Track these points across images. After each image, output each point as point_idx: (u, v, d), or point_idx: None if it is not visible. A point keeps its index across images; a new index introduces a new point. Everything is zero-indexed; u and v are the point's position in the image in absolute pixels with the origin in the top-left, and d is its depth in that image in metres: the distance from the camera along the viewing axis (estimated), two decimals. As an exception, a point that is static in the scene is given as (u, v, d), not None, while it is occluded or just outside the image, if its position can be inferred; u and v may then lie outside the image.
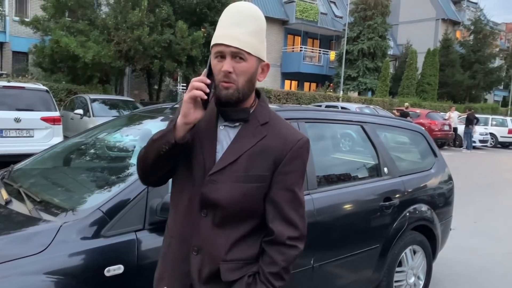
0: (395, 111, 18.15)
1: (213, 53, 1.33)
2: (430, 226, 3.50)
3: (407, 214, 3.27)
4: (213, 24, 16.23)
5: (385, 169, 3.22)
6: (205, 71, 1.32)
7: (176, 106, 3.09)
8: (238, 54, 1.30)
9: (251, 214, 1.38)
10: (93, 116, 10.22)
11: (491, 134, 21.03)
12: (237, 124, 1.38)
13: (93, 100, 10.87)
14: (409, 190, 3.33)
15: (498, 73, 35.31)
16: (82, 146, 3.22)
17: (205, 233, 1.36)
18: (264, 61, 1.38)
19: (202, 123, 1.38)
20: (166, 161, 1.38)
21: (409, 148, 3.90)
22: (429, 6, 37.66)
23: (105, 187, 2.37)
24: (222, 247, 1.36)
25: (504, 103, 40.26)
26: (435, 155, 3.84)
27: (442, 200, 3.74)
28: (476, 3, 41.49)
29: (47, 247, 1.75)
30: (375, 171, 3.23)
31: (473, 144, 18.95)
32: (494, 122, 21.73)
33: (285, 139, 1.37)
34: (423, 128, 3.93)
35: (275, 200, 1.37)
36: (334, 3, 33.55)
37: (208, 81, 1.29)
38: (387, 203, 3.08)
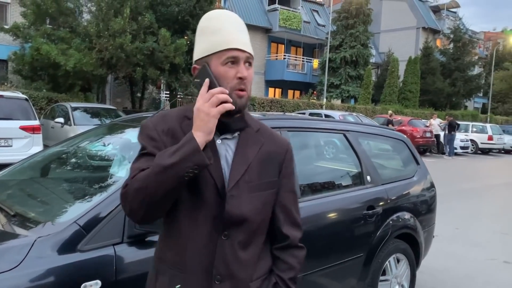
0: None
1: (221, 59, 1.24)
2: (413, 234, 3.50)
3: (391, 222, 3.26)
4: (196, 31, 16.17)
5: (368, 178, 3.22)
6: (207, 80, 1.21)
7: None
8: (249, 60, 1.29)
9: (266, 224, 1.37)
10: (74, 124, 10.07)
11: (471, 140, 21.39)
12: (235, 135, 1.33)
13: (74, 109, 10.73)
14: (392, 198, 3.33)
15: (477, 80, 36.05)
16: (62, 156, 3.14)
17: (229, 256, 1.27)
18: None
19: None
20: (181, 189, 1.21)
21: (391, 156, 3.91)
22: (409, 15, 38.31)
23: (83, 199, 2.31)
24: (249, 267, 1.31)
25: (484, 110, 41.06)
26: (417, 162, 3.86)
27: (425, 208, 3.75)
28: (455, 12, 42.37)
29: (20, 263, 1.68)
30: (358, 180, 3.22)
31: (455, 151, 19.23)
32: (474, 129, 22.14)
33: (279, 143, 1.40)
34: (405, 136, 3.96)
35: (284, 204, 1.39)
36: (317, 11, 33.88)
37: (227, 91, 1.20)
38: (370, 211, 3.07)
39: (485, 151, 22.27)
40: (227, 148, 1.31)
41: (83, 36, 14.81)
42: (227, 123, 1.29)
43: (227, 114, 1.23)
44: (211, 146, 1.25)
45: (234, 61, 1.25)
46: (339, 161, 3.49)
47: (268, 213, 1.36)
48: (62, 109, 11.07)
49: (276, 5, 28.98)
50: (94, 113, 11.19)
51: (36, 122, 8.22)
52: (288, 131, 2.77)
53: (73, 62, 13.37)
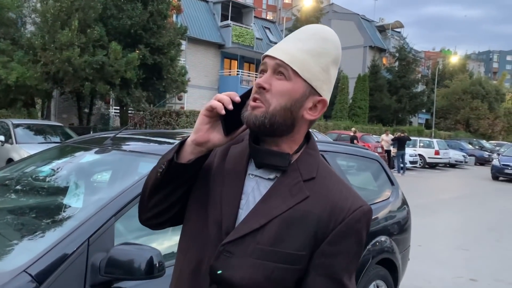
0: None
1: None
2: (392, 259, 3.35)
3: (371, 248, 3.09)
4: (149, 45, 15.77)
5: (348, 201, 3.03)
6: (244, 92, 1.05)
7: (119, 135, 2.71)
8: (280, 69, 0.99)
9: None
10: (16, 143, 9.37)
11: (419, 155, 22.11)
12: (271, 176, 1.02)
13: (16, 126, 10.03)
14: (372, 223, 3.16)
15: (421, 97, 37.74)
16: (6, 182, 2.73)
17: None
18: (319, 95, 1.02)
19: (229, 164, 1.07)
20: (164, 190, 1.05)
21: (366, 177, 3.78)
22: (357, 34, 39.65)
23: (33, 238, 1.94)
24: None
25: (427, 125, 42.99)
26: (392, 183, 3.74)
27: (401, 229, 3.63)
28: (399, 32, 44.36)
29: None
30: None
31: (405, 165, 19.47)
32: (421, 144, 22.95)
33: (335, 206, 0.98)
34: (379, 156, 3.84)
35: None
36: (269, 29, 34.24)
37: (238, 98, 1.00)
38: (352, 238, 2.88)
39: (432, 165, 23.11)
40: (254, 188, 1.03)
41: (27, 48, 13.98)
42: (259, 153, 1.02)
43: (256, 138, 1.04)
44: (237, 175, 1.04)
45: (263, 69, 1.02)
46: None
47: None
48: (3, 126, 10.33)
49: (229, 21, 28.99)
50: (39, 130, 10.52)
51: (-28, 141, 7.51)
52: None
53: (15, 76, 12.55)
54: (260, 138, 1.04)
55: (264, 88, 0.99)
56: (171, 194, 1.06)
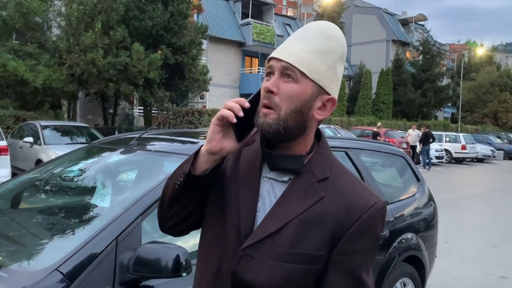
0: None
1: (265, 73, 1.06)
2: (419, 256, 3.30)
3: (397, 245, 3.05)
4: (170, 45, 15.91)
5: (373, 198, 3.00)
6: (251, 95, 1.04)
7: (145, 135, 2.75)
8: (287, 71, 0.98)
9: None
10: (44, 144, 9.59)
11: (445, 150, 21.67)
12: (285, 179, 1.04)
13: (44, 127, 10.26)
14: (398, 220, 3.12)
15: (446, 91, 36.95)
16: (36, 183, 2.80)
17: None
18: (328, 94, 1.02)
19: (242, 167, 1.09)
20: (183, 200, 1.07)
21: (391, 173, 3.73)
22: (379, 28, 39.09)
23: (64, 237, 1.99)
24: None
25: (453, 119, 42.07)
26: (418, 179, 3.68)
27: (428, 226, 3.57)
28: (423, 25, 43.53)
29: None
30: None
31: (431, 161, 19.11)
32: (447, 139, 22.47)
33: (350, 204, 1.00)
34: (404, 152, 3.78)
35: None
36: (290, 25, 34.12)
37: (247, 104, 1.00)
38: (378, 235, 2.85)
39: (459, 160, 22.62)
40: (269, 190, 1.04)
41: (53, 51, 14.30)
42: (272, 157, 1.03)
43: (272, 144, 1.05)
44: (251, 179, 1.05)
45: (270, 72, 1.02)
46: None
47: None
48: (31, 127, 10.58)
49: (249, 19, 29.00)
50: (65, 132, 10.75)
51: (3, 143, 7.76)
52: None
53: (42, 79, 12.84)
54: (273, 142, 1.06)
55: (272, 92, 0.99)
56: (190, 203, 1.08)
